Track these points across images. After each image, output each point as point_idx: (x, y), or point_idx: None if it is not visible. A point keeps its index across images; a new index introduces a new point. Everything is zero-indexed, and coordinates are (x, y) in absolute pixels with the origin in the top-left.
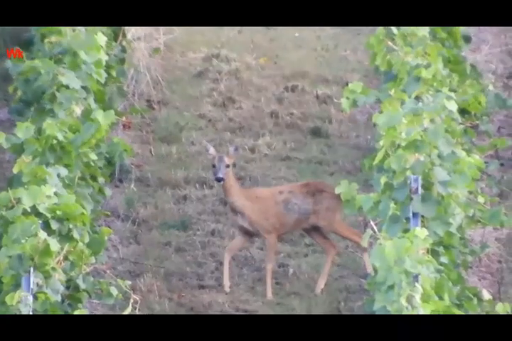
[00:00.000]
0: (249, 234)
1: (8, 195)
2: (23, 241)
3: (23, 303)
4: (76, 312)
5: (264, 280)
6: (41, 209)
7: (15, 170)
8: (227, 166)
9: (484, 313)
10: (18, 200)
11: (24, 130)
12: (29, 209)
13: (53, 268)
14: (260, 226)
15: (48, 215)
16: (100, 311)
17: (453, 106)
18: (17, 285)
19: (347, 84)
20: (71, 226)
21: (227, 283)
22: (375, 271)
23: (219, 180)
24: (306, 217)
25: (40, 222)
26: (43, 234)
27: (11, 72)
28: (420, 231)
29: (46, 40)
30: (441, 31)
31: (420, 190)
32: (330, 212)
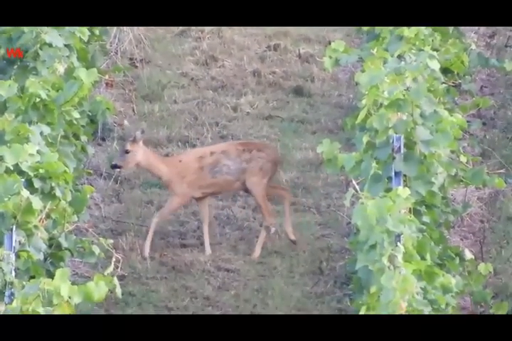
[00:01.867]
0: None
1: None
2: (5, 199)
3: (6, 262)
4: (58, 271)
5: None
6: (24, 167)
7: None
8: (127, 152)
9: (466, 273)
10: (1, 158)
11: (7, 88)
12: (12, 168)
13: (35, 227)
14: (172, 187)
15: (31, 173)
16: (82, 270)
17: (435, 66)
18: None
19: (329, 43)
20: (53, 184)
21: (147, 248)
22: (357, 230)
23: (112, 167)
24: (237, 176)
25: (23, 180)
26: (25, 193)
27: None
28: (402, 191)
29: None
30: None
31: (402, 149)
32: (257, 173)
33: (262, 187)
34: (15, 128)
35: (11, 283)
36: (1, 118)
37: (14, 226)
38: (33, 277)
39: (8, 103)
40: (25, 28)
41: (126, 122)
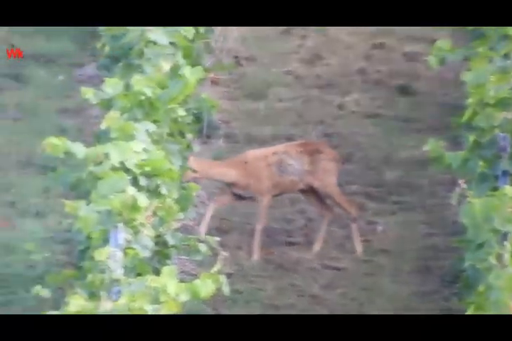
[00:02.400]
0: (241, 198)
1: (96, 151)
2: (111, 196)
3: (112, 259)
4: (165, 268)
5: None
6: (130, 165)
7: (103, 126)
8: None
9: None
10: (107, 156)
11: (112, 86)
12: (118, 165)
13: (142, 224)
14: (253, 189)
15: (137, 171)
16: (189, 267)
17: None
18: (105, 241)
19: (434, 42)
20: (159, 182)
21: (203, 229)
22: (465, 228)
23: None
24: (301, 177)
25: (129, 178)
26: (131, 190)
27: (99, 28)
28: (509, 190)
29: None
30: None
31: (509, 148)
32: (326, 174)
33: (333, 187)
34: (121, 125)
35: (118, 281)
36: (106, 115)
37: (120, 224)
38: (139, 274)
39: (114, 100)
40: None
41: None
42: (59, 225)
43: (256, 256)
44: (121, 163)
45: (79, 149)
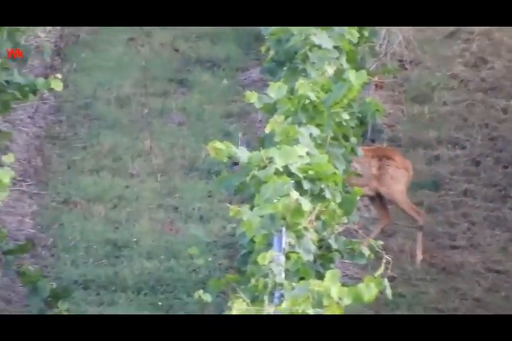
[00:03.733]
0: None
1: (260, 155)
2: (275, 200)
3: (275, 263)
4: (328, 272)
5: None
6: (293, 169)
7: (267, 130)
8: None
9: None
10: (271, 160)
11: (276, 90)
12: (281, 169)
13: (305, 228)
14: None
15: (300, 175)
16: (352, 271)
17: None
18: (269, 245)
19: None
20: (323, 186)
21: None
22: None
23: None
24: (367, 182)
25: (292, 181)
26: (295, 194)
27: (263, 32)
28: None
29: None
30: None
31: None
32: (393, 181)
33: (399, 194)
34: (284, 129)
35: (281, 285)
36: (270, 119)
37: (284, 228)
38: (302, 278)
39: (277, 104)
40: (295, 30)
41: None
42: (222, 229)
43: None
44: (285, 167)
45: (243, 153)
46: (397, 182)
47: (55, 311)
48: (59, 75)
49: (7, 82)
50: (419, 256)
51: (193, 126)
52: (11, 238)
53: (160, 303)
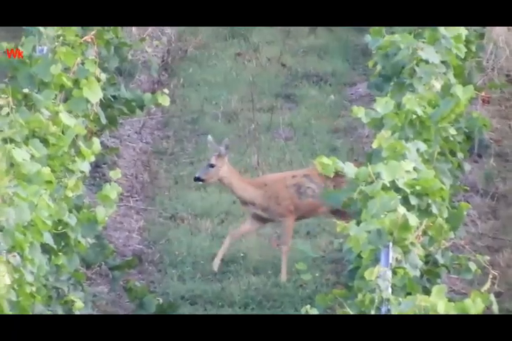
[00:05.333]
0: (263, 220)
1: (367, 170)
2: (382, 215)
3: (382, 278)
4: (435, 287)
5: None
6: (400, 184)
7: (374, 145)
8: (211, 166)
9: None
10: (378, 175)
11: (383, 105)
12: (388, 184)
13: (412, 243)
14: (273, 211)
15: (407, 190)
16: (459, 286)
17: None
18: (375, 260)
19: None
20: (430, 201)
21: (216, 263)
22: None
23: (195, 179)
24: (323, 201)
25: (399, 197)
26: (402, 209)
27: (371, 46)
28: None
29: None
30: None
31: None
32: None
33: None
34: (391, 144)
35: (388, 300)
36: (378, 135)
37: (391, 243)
38: (409, 293)
39: (384, 119)
40: (402, 45)
41: None
42: (329, 245)
43: (283, 277)
44: (392, 182)
45: (350, 168)
46: None
47: None
48: (166, 90)
49: (114, 97)
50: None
51: (300, 141)
52: (118, 253)
53: None
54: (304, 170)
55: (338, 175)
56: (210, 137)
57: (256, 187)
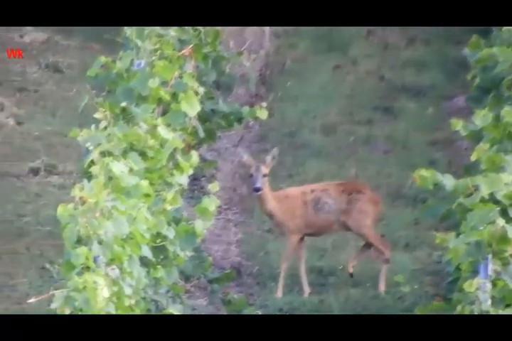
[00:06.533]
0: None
1: (466, 182)
2: (481, 228)
3: (482, 290)
4: None
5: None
6: (499, 196)
7: (473, 158)
8: (265, 175)
9: None
10: (476, 188)
11: (482, 117)
12: (487, 197)
13: (511, 255)
14: (285, 227)
15: (506, 202)
16: None
17: None
18: (475, 272)
19: None
20: None
21: (280, 292)
22: None
23: (257, 190)
24: (337, 217)
25: (498, 209)
26: (501, 221)
27: (469, 59)
28: None
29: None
30: None
31: None
32: (362, 215)
33: (366, 228)
34: (490, 157)
35: (487, 312)
36: (476, 147)
37: (490, 255)
38: (508, 305)
39: (483, 132)
40: (500, 58)
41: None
42: (428, 257)
43: (279, 293)
44: (491, 194)
45: (448, 181)
46: (366, 217)
47: None
48: (264, 104)
49: (212, 111)
50: (381, 288)
51: (399, 154)
52: (216, 266)
53: None
54: (322, 184)
55: (357, 191)
56: (241, 150)
57: (277, 200)
